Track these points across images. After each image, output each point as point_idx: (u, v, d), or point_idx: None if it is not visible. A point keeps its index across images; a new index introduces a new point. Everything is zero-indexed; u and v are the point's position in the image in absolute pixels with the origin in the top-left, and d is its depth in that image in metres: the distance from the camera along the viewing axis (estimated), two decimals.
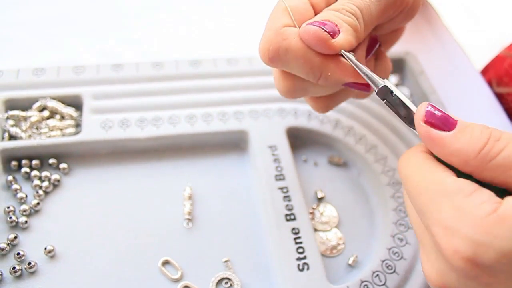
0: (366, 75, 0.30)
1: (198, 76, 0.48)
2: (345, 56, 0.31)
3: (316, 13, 0.32)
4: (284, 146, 0.44)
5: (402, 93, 0.29)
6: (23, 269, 0.36)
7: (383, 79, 0.30)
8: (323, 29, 0.29)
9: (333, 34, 0.30)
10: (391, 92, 0.29)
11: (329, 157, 0.46)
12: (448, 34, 0.61)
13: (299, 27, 0.31)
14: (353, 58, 0.30)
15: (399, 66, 0.53)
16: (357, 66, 0.30)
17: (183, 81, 0.47)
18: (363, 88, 0.32)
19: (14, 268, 0.35)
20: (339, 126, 0.46)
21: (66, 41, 0.54)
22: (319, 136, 0.46)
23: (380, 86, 0.29)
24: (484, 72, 0.63)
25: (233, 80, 0.48)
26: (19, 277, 0.35)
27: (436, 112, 0.26)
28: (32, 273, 0.36)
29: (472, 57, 0.58)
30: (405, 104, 0.29)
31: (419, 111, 0.27)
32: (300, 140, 0.46)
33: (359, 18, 0.31)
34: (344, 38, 0.30)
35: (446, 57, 0.58)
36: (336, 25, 0.30)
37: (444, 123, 0.26)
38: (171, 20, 0.58)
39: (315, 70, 0.31)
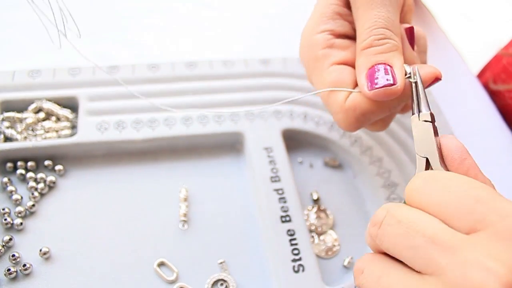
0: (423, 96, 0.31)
1: (194, 78, 0.48)
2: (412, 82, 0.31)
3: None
4: (280, 148, 0.44)
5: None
6: (18, 271, 0.36)
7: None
8: (381, 86, 0.31)
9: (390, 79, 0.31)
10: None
11: (325, 158, 0.46)
12: (444, 37, 0.61)
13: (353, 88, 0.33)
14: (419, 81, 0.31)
15: None
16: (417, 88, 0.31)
17: (179, 83, 0.47)
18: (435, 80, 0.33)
19: (9, 270, 0.35)
20: (335, 128, 0.46)
21: (62, 42, 0.54)
22: (315, 138, 0.46)
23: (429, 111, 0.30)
24: (482, 73, 0.63)
25: (229, 82, 0.48)
26: (14, 279, 0.35)
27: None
28: (27, 275, 0.36)
29: (468, 60, 0.59)
30: (430, 137, 0.29)
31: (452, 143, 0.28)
32: (295, 142, 0.46)
33: (392, 36, 0.32)
34: (400, 75, 0.31)
35: (442, 59, 0.58)
36: (386, 64, 0.31)
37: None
38: (167, 22, 0.58)
39: (391, 109, 0.33)
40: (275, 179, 0.42)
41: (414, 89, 0.31)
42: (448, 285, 0.22)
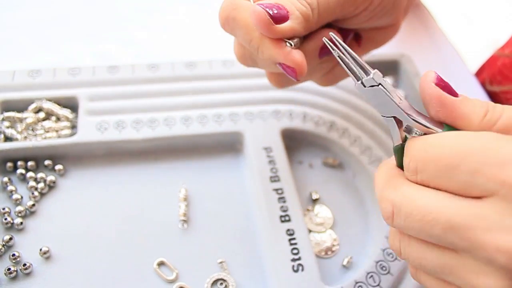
0: (350, 65, 0.28)
1: (193, 77, 0.48)
2: (328, 41, 0.29)
3: None
4: (279, 148, 0.44)
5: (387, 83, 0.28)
6: (18, 270, 0.36)
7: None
8: (269, 13, 0.30)
9: (280, 19, 0.31)
10: (384, 79, 0.28)
11: (324, 158, 0.46)
12: (443, 36, 0.61)
13: (253, 2, 0.32)
14: (343, 44, 0.29)
15: (394, 68, 0.54)
16: (342, 48, 0.29)
17: (178, 83, 0.47)
18: (291, 72, 0.32)
19: (9, 269, 0.35)
20: (334, 128, 0.46)
21: (62, 42, 0.54)
22: (314, 138, 0.46)
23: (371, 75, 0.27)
24: (479, 72, 0.64)
25: (228, 81, 0.48)
26: (14, 278, 0.35)
27: (440, 79, 0.27)
28: (28, 274, 0.36)
29: (467, 60, 0.59)
30: (389, 97, 0.27)
31: (429, 75, 0.26)
32: (295, 141, 0.46)
33: (314, 9, 0.32)
34: (290, 26, 0.31)
35: (440, 59, 0.58)
36: (287, 12, 0.31)
37: (450, 90, 0.26)
38: (167, 22, 0.58)
39: (254, 43, 0.32)
40: (274, 179, 0.42)
41: (340, 60, 0.29)
42: (483, 261, 0.23)
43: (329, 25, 0.35)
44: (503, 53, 0.58)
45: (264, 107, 0.47)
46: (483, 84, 0.59)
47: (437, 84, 0.26)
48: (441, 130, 0.26)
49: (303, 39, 0.34)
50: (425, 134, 0.26)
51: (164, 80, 0.47)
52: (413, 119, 0.26)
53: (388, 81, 0.27)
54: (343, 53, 0.28)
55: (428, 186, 0.25)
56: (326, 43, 0.29)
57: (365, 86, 0.27)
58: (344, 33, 0.37)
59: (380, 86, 0.27)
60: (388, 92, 0.27)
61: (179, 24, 0.58)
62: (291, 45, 0.32)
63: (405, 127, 0.27)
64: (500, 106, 0.25)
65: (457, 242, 0.23)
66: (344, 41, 0.33)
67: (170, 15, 0.59)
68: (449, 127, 0.26)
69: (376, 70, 0.27)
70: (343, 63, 0.28)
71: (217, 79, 0.48)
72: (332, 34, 0.29)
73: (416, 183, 0.26)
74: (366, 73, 0.27)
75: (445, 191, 0.24)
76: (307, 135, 0.46)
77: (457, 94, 0.26)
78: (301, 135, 0.46)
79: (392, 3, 0.36)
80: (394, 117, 0.27)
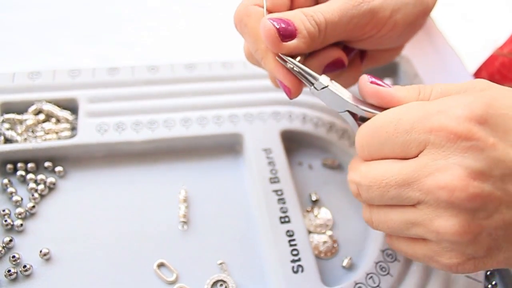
0: (302, 73, 0.33)
1: (193, 79, 0.48)
2: (283, 58, 0.33)
3: (293, 5, 0.35)
4: (279, 149, 0.44)
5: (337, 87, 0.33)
6: (19, 272, 0.36)
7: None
8: (277, 28, 0.31)
9: (287, 36, 0.32)
10: (331, 81, 0.33)
11: (324, 159, 0.46)
12: (442, 38, 0.61)
13: (266, 13, 0.33)
14: (291, 59, 0.33)
15: (393, 69, 0.54)
16: (293, 64, 0.33)
17: (178, 85, 0.48)
18: (286, 90, 0.34)
19: (9, 271, 0.35)
20: (334, 129, 0.46)
21: (62, 44, 0.54)
22: (314, 139, 0.46)
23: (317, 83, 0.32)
24: (478, 72, 0.64)
25: (228, 83, 0.48)
26: (14, 280, 0.35)
27: (373, 78, 0.31)
28: (28, 276, 0.36)
29: (466, 61, 0.59)
30: (338, 95, 0.32)
31: (363, 77, 0.32)
32: (294, 143, 0.46)
33: (322, 31, 0.33)
34: (295, 44, 0.32)
35: (440, 60, 0.58)
36: (296, 29, 0.32)
37: (383, 83, 0.31)
38: (167, 23, 0.59)
39: (259, 54, 0.34)
40: (274, 180, 0.42)
41: (292, 71, 0.33)
42: (433, 205, 0.27)
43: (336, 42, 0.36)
44: (502, 53, 0.58)
45: (263, 108, 0.47)
46: None
47: (372, 81, 0.31)
48: None
49: (307, 55, 0.35)
50: None
51: (163, 81, 0.48)
52: (361, 108, 0.31)
53: (335, 82, 0.32)
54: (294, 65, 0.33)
55: (377, 159, 0.30)
56: (278, 59, 0.33)
57: (317, 90, 0.33)
58: (348, 49, 0.38)
59: (328, 87, 0.32)
60: (336, 90, 0.32)
61: (179, 26, 0.59)
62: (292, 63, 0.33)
63: (359, 118, 0.32)
64: (429, 86, 0.30)
65: (411, 196, 0.28)
66: (347, 56, 0.37)
67: (169, 17, 0.59)
68: None
69: (323, 75, 0.32)
70: (296, 72, 0.33)
71: (216, 80, 0.48)
72: (280, 54, 0.33)
73: (367, 160, 0.31)
74: (315, 79, 0.32)
75: (390, 158, 0.29)
76: (306, 136, 0.46)
77: (390, 85, 0.31)
78: (301, 136, 0.46)
79: (399, 32, 0.37)
80: (348, 111, 0.32)
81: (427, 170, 0.26)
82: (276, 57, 0.33)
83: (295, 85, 0.34)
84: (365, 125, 0.31)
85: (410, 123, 0.27)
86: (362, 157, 0.31)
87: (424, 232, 0.28)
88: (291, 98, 0.35)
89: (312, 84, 0.32)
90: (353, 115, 0.32)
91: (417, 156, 0.27)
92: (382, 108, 0.31)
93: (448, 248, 0.28)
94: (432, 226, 0.27)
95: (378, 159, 0.30)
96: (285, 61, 0.33)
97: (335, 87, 0.32)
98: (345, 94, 0.32)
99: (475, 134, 0.25)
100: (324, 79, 0.32)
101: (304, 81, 0.33)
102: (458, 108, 0.26)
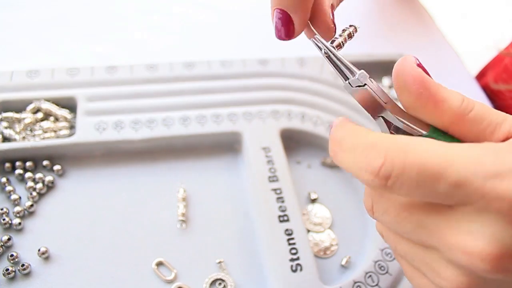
0: (337, 64, 0.28)
1: (192, 78, 0.48)
2: (316, 42, 0.29)
3: None
4: (278, 148, 0.44)
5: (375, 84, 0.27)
6: (17, 270, 0.36)
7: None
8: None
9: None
10: (370, 79, 0.27)
11: (323, 158, 0.46)
12: (441, 36, 0.61)
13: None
14: (328, 45, 0.28)
15: (393, 68, 0.54)
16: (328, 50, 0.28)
17: (177, 83, 0.47)
18: (289, 30, 0.30)
19: (7, 269, 0.35)
20: None
21: (60, 43, 0.54)
22: (313, 138, 0.46)
23: (357, 74, 0.27)
24: (483, 73, 0.64)
25: (227, 82, 0.48)
26: (13, 278, 0.35)
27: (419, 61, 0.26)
28: (26, 274, 0.36)
29: (466, 61, 0.59)
30: (376, 99, 0.27)
31: (410, 58, 0.26)
32: (293, 142, 0.46)
33: None
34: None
35: (439, 59, 0.58)
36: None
37: (428, 74, 0.26)
38: (166, 22, 0.58)
39: None
40: (273, 179, 0.42)
41: (327, 60, 0.29)
42: (441, 259, 0.24)
43: None
44: (508, 53, 0.58)
45: (262, 107, 0.47)
46: (487, 84, 0.59)
47: (419, 65, 0.26)
48: (426, 132, 0.26)
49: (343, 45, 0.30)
50: (410, 134, 0.26)
51: (162, 80, 0.48)
52: (401, 121, 0.26)
53: (374, 81, 0.27)
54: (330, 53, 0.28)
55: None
56: (314, 44, 0.29)
57: (352, 86, 0.28)
58: None
59: (366, 86, 0.27)
60: (374, 93, 0.27)
61: (178, 24, 0.58)
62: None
63: (393, 128, 0.27)
64: (472, 100, 0.26)
65: (423, 239, 0.24)
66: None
67: (168, 16, 0.59)
68: (435, 129, 0.26)
69: (362, 70, 0.27)
70: (331, 62, 0.28)
71: (215, 79, 0.48)
72: (317, 36, 0.29)
73: (384, 186, 0.24)
74: (352, 73, 0.27)
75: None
76: (305, 135, 0.46)
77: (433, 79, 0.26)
78: (300, 135, 0.46)
79: None
80: (383, 117, 0.27)
81: (457, 228, 0.23)
82: (312, 39, 0.29)
83: (301, 30, 0.30)
84: (401, 142, 0.24)
85: (464, 177, 0.22)
86: (375, 182, 0.24)
87: (427, 272, 0.26)
88: (283, 39, 0.30)
89: (347, 78, 0.28)
90: (387, 122, 0.27)
91: (449, 206, 0.23)
92: (425, 126, 0.26)
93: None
94: (439, 275, 0.25)
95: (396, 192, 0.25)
96: (320, 48, 0.29)
97: (373, 87, 0.27)
98: (384, 97, 0.27)
99: None
100: (362, 76, 0.27)
101: (338, 74, 0.28)
102: None
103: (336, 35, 0.30)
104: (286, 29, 0.29)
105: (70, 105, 0.45)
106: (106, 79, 0.47)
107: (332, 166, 0.46)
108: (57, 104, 0.45)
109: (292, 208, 0.40)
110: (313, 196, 0.43)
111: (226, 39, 0.57)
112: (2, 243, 0.37)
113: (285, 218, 0.39)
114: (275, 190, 0.41)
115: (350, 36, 0.30)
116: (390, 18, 0.63)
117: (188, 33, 0.57)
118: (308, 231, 0.41)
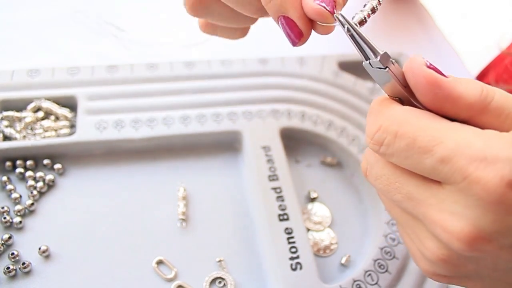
0: (359, 43, 0.27)
1: (192, 77, 0.48)
2: (339, 18, 0.28)
3: None
4: (278, 147, 0.44)
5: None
6: (18, 269, 0.36)
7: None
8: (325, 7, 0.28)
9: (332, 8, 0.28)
10: (392, 61, 0.27)
11: (323, 157, 0.46)
12: (441, 36, 0.61)
13: None
14: (353, 24, 0.28)
15: None
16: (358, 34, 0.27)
17: (177, 82, 0.48)
18: (296, 32, 0.29)
19: (8, 268, 0.35)
20: (332, 127, 0.46)
21: (61, 42, 0.54)
22: (313, 137, 0.46)
23: (382, 53, 0.26)
24: (484, 73, 0.64)
25: (227, 81, 0.48)
26: (14, 277, 0.36)
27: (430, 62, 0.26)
28: (27, 273, 0.36)
29: (466, 62, 0.59)
30: (395, 82, 0.27)
31: (418, 59, 0.25)
32: (293, 141, 0.47)
33: None
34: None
35: (439, 58, 0.58)
36: None
37: (440, 72, 0.25)
38: (166, 21, 0.59)
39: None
40: (273, 177, 0.42)
41: (349, 37, 0.28)
42: (423, 231, 0.26)
43: None
44: (510, 52, 0.58)
45: (262, 106, 0.47)
46: (488, 83, 0.60)
47: (429, 66, 0.25)
48: None
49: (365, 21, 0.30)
50: None
51: (163, 79, 0.48)
52: (417, 104, 0.26)
53: (396, 64, 0.27)
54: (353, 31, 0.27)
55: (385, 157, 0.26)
56: (337, 19, 0.28)
57: (372, 67, 0.27)
58: None
59: (387, 69, 0.26)
60: (395, 76, 0.26)
61: (178, 23, 0.58)
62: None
63: None
64: (492, 89, 0.25)
65: (410, 211, 0.26)
66: None
67: (168, 15, 0.59)
68: None
69: (385, 52, 0.26)
70: (353, 40, 0.27)
71: (215, 78, 0.48)
72: (341, 13, 0.28)
73: (378, 151, 0.26)
74: (375, 53, 0.27)
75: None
76: (305, 134, 0.46)
77: (446, 75, 0.25)
78: (300, 134, 0.46)
79: None
80: (400, 99, 0.27)
81: (441, 206, 0.24)
82: (334, 16, 0.28)
83: (309, 28, 0.29)
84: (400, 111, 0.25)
85: (452, 155, 0.23)
86: (371, 146, 0.26)
87: (414, 216, 0.26)
88: (296, 45, 0.30)
89: (368, 58, 0.27)
90: (402, 103, 0.27)
91: (437, 182, 0.24)
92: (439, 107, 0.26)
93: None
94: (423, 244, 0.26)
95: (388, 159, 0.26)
96: (343, 24, 0.28)
97: (395, 70, 0.26)
98: (404, 82, 0.26)
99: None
100: (384, 59, 0.26)
101: (359, 52, 0.27)
102: (506, 165, 0.22)
103: (358, 11, 0.29)
104: (294, 31, 0.29)
105: (70, 104, 0.45)
106: (106, 78, 0.47)
107: (332, 165, 0.46)
108: (58, 103, 0.45)
109: (292, 207, 0.40)
110: (313, 195, 0.43)
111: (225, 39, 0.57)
112: (2, 242, 0.37)
113: (285, 217, 0.40)
114: (275, 189, 0.41)
115: (373, 10, 0.29)
116: (390, 18, 0.63)
117: (188, 33, 0.58)
118: (308, 230, 0.41)
